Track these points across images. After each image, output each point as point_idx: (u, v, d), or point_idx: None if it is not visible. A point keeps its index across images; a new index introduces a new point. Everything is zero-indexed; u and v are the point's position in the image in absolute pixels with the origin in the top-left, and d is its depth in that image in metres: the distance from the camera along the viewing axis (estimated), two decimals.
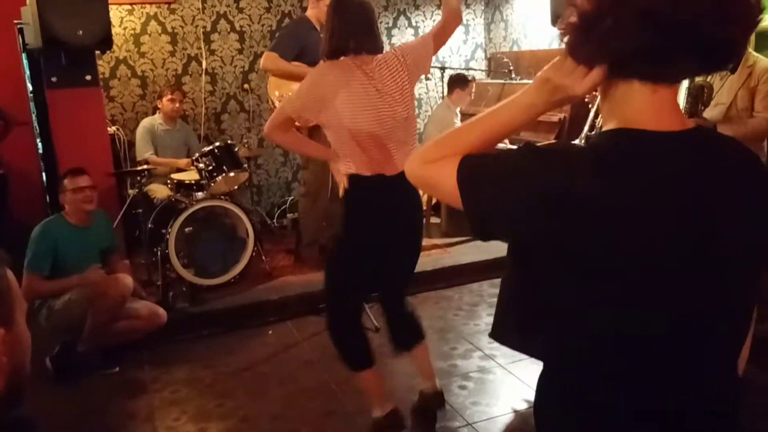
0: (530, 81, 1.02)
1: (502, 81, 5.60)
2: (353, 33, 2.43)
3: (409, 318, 2.82)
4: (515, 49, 6.01)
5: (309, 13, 4.54)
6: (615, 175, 0.90)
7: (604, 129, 1.00)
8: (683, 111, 3.52)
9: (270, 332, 3.89)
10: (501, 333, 1.11)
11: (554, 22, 4.21)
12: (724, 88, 3.43)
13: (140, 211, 4.29)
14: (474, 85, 5.28)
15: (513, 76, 5.57)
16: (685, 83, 4.12)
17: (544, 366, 1.10)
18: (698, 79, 3.51)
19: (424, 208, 3.70)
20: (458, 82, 5.17)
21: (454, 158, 1.01)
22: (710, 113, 3.46)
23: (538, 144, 0.96)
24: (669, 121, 0.96)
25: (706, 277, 0.94)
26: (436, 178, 1.04)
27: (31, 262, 3.39)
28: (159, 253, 4.04)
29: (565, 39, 0.97)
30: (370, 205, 2.51)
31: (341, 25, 2.44)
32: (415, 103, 2.50)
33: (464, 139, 1.05)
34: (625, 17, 0.88)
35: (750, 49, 3.44)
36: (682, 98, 4.72)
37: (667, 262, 0.92)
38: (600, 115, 1.03)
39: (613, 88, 0.97)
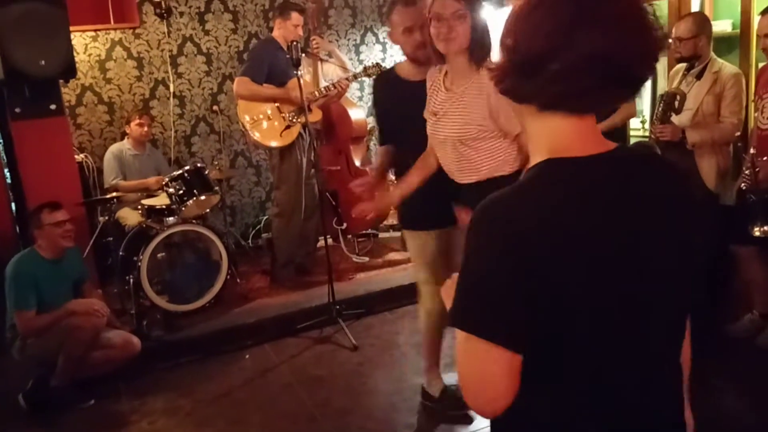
0: None
1: None
2: None
3: None
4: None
5: (275, 33, 4.55)
6: (562, 205, 0.94)
7: (533, 162, 1.02)
8: (655, 118, 3.59)
9: (247, 356, 3.85)
10: None
11: None
12: (691, 94, 3.50)
13: (111, 239, 4.24)
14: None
15: None
16: (659, 90, 4.19)
17: None
18: (672, 87, 3.59)
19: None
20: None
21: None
22: (678, 119, 3.53)
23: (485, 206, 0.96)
24: (593, 144, 1.00)
25: (644, 291, 0.98)
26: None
27: (18, 302, 3.36)
28: (131, 281, 3.99)
29: (498, 81, 1.00)
30: None
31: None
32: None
33: None
34: (572, 61, 0.91)
35: (714, 56, 3.51)
36: (646, 105, 4.81)
37: (613, 279, 0.95)
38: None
39: (538, 121, 1.01)
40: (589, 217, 0.94)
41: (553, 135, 1.00)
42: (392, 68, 2.99)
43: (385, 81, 2.95)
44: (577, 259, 0.93)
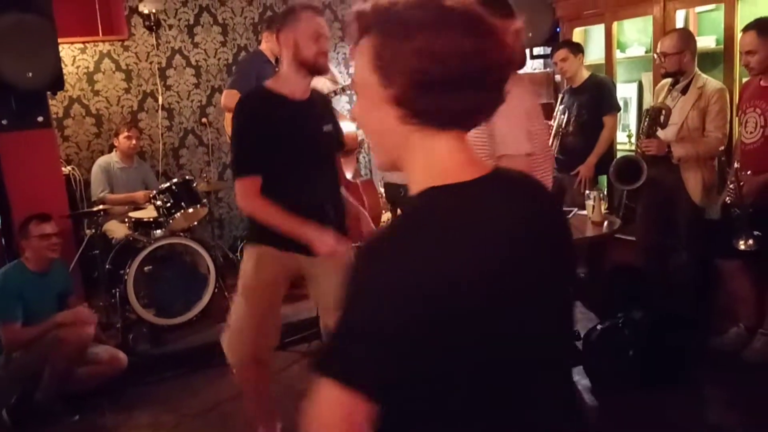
0: None
1: None
2: None
3: None
4: None
5: (263, 46, 4.55)
6: (458, 239, 0.90)
7: (414, 189, 0.97)
8: (641, 132, 3.63)
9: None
10: None
11: None
12: (676, 108, 3.54)
13: (97, 252, 4.21)
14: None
15: None
16: (645, 105, 4.21)
17: None
18: (658, 102, 3.63)
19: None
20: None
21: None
22: (664, 133, 3.57)
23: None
24: (479, 166, 0.98)
25: (538, 311, 0.97)
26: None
27: (3, 314, 3.32)
28: (118, 294, 3.97)
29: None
30: None
31: None
32: None
33: None
34: (477, 70, 0.93)
35: (698, 71, 3.56)
36: (632, 119, 4.85)
37: (510, 308, 0.93)
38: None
39: (429, 143, 0.95)
40: (486, 249, 0.91)
41: (447, 157, 0.96)
42: (263, 87, 2.59)
43: (264, 101, 2.51)
44: (477, 294, 0.89)
